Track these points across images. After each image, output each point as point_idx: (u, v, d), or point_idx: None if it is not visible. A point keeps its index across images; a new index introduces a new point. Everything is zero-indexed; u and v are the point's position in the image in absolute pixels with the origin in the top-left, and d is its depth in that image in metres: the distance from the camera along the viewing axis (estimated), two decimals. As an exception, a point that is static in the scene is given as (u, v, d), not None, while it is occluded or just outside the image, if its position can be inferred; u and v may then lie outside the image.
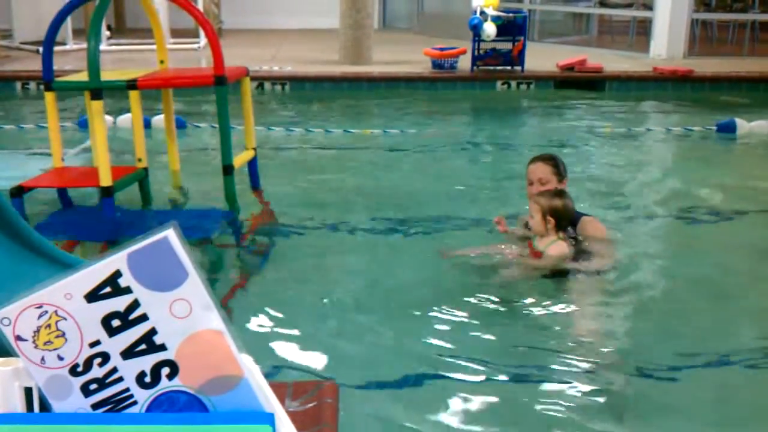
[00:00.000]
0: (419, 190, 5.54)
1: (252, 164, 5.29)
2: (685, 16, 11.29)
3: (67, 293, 0.91)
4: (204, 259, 4.21)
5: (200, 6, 10.92)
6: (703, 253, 4.40)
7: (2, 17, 11.90)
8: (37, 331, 0.92)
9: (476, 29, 9.43)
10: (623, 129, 7.66)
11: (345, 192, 5.47)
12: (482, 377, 3.01)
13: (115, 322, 0.92)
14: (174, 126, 5.42)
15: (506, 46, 9.77)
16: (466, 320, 3.46)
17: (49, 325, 0.91)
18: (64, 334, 0.92)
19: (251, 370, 0.95)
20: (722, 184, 5.77)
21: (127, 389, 0.94)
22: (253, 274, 4.19)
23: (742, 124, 7.36)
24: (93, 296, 0.91)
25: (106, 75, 4.65)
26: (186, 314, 0.92)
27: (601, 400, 2.88)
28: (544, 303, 3.61)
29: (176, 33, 11.72)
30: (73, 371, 0.93)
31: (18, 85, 9.28)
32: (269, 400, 0.96)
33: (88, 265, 0.91)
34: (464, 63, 9.87)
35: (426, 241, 4.47)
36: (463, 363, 3.09)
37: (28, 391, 0.96)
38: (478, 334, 3.34)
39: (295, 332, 3.37)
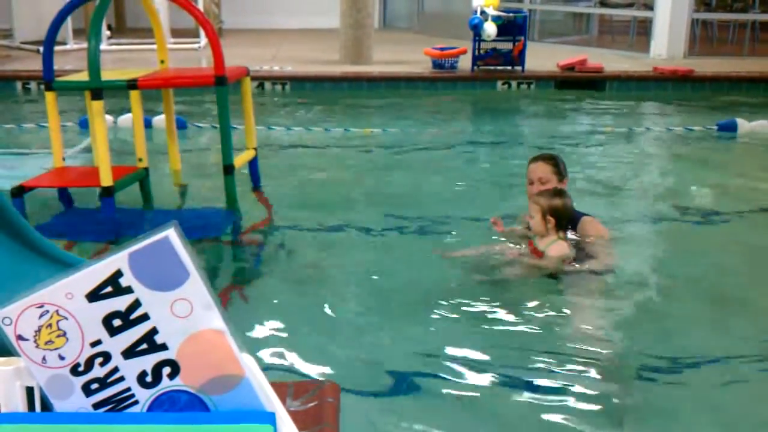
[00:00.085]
0: (419, 189, 5.54)
1: (253, 164, 5.29)
2: (686, 16, 11.29)
3: (68, 293, 0.91)
4: (205, 258, 4.20)
5: (200, 6, 10.92)
6: (704, 253, 4.40)
7: (3, 17, 11.91)
8: (39, 330, 0.92)
9: (477, 29, 9.43)
10: (623, 129, 7.66)
11: (345, 192, 5.47)
12: (482, 377, 3.01)
13: (116, 322, 0.92)
14: (174, 126, 5.42)
15: (507, 45, 9.77)
16: (466, 320, 3.46)
17: (50, 325, 0.92)
18: (65, 334, 0.92)
19: (252, 369, 0.95)
20: (723, 183, 5.77)
21: (129, 389, 0.94)
22: (254, 274, 4.19)
23: (743, 124, 7.36)
24: (94, 296, 0.91)
25: (107, 75, 4.65)
26: (187, 314, 0.92)
27: (601, 401, 2.87)
28: (545, 303, 3.61)
29: (176, 33, 11.72)
30: (75, 371, 0.93)
31: (18, 84, 9.28)
32: (270, 400, 0.96)
33: (89, 265, 0.91)
34: (465, 63, 9.87)
35: (426, 241, 4.47)
36: (463, 363, 3.09)
37: (29, 391, 0.96)
38: (479, 334, 3.34)
39: (296, 332, 3.37)
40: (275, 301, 3.72)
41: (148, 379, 0.94)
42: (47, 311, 0.91)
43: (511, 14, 9.73)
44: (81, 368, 0.93)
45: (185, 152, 5.89)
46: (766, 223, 5.03)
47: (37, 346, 0.92)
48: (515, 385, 2.98)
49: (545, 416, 2.77)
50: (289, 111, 8.50)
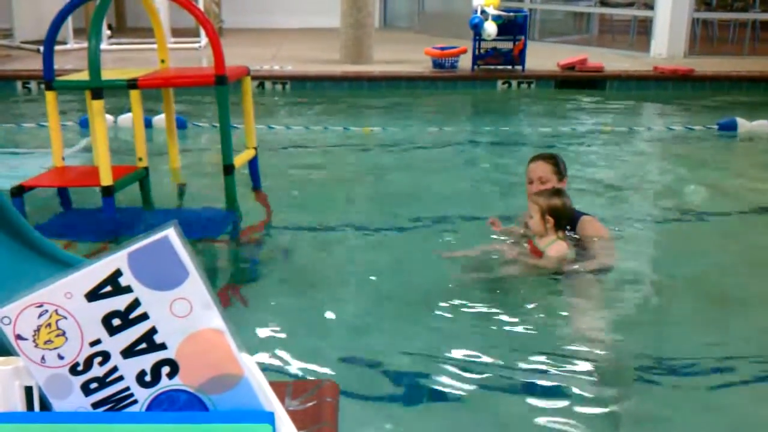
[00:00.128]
0: (419, 189, 5.54)
1: (253, 164, 5.29)
2: (686, 16, 11.29)
3: (68, 292, 0.91)
4: (204, 258, 4.21)
5: (201, 5, 10.92)
6: (703, 253, 4.40)
7: (3, 16, 11.91)
8: (38, 330, 0.92)
9: (477, 28, 9.43)
10: (624, 128, 7.66)
11: (345, 192, 5.47)
12: (481, 378, 3.01)
13: (116, 321, 0.92)
14: (175, 126, 5.42)
15: (507, 45, 9.77)
16: (465, 320, 3.46)
17: (49, 324, 0.92)
18: (64, 333, 0.92)
19: (251, 369, 0.95)
20: (723, 183, 5.78)
21: (128, 388, 0.94)
22: (254, 274, 4.19)
23: (743, 123, 7.37)
24: (93, 295, 0.91)
25: (107, 74, 4.65)
26: (186, 313, 0.92)
27: (600, 401, 2.87)
28: (544, 303, 3.61)
29: (177, 32, 11.72)
30: (74, 370, 0.93)
31: (19, 84, 9.28)
32: (269, 399, 0.96)
33: (89, 264, 0.91)
34: (465, 62, 9.87)
35: (426, 241, 4.47)
36: (461, 363, 3.09)
37: (28, 390, 0.96)
38: (477, 334, 3.34)
39: (296, 331, 3.37)
40: (274, 301, 3.72)
41: (147, 378, 0.94)
42: (46, 311, 0.91)
43: (511, 13, 9.73)
44: (80, 368, 0.93)
45: (185, 152, 5.89)
46: (765, 223, 5.03)
47: (36, 346, 0.92)
48: (514, 385, 2.98)
49: (544, 417, 2.77)
50: (289, 111, 8.50)
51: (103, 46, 8.42)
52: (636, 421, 2.80)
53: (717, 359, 3.17)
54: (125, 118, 6.87)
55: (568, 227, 3.90)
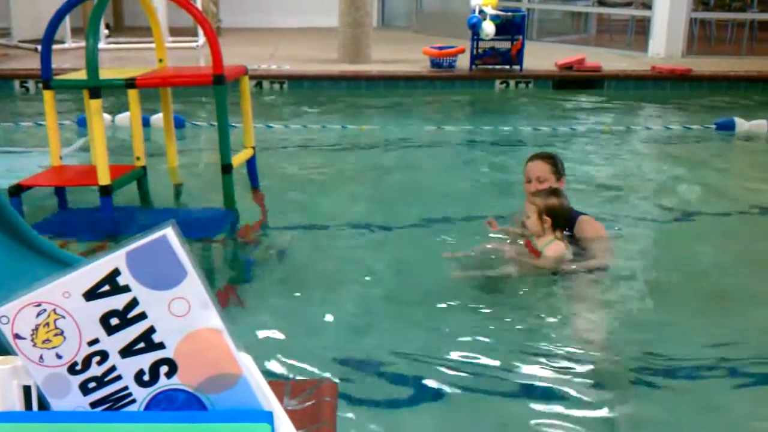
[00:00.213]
0: (417, 189, 5.54)
1: (251, 163, 5.29)
2: (684, 15, 11.30)
3: (66, 291, 0.91)
4: (202, 257, 4.20)
5: (199, 4, 10.91)
6: (702, 253, 4.40)
7: (0, 15, 11.90)
8: (36, 329, 0.92)
9: (475, 28, 9.43)
10: (622, 128, 7.67)
11: (343, 191, 5.47)
12: (478, 378, 3.01)
13: (114, 321, 0.92)
14: (173, 125, 5.42)
15: (505, 45, 9.77)
16: (463, 320, 3.46)
17: (47, 324, 0.92)
18: (62, 333, 0.92)
19: (250, 368, 0.95)
20: (721, 183, 5.78)
21: (126, 387, 0.94)
22: (252, 273, 4.19)
23: (741, 123, 7.38)
24: (91, 294, 0.91)
25: (105, 73, 4.65)
26: (185, 312, 0.92)
27: (599, 402, 2.87)
28: (542, 303, 3.61)
29: (175, 31, 11.71)
30: (72, 369, 0.93)
31: (16, 83, 9.27)
32: (268, 399, 0.96)
33: (87, 264, 0.91)
34: (463, 62, 9.87)
35: (424, 240, 4.47)
36: (459, 363, 3.09)
37: (26, 390, 0.96)
38: (475, 334, 3.33)
39: (294, 331, 3.37)
40: (273, 300, 3.71)
41: (146, 377, 0.94)
42: (44, 310, 0.91)
43: (509, 13, 9.73)
44: (78, 367, 0.93)
45: (183, 151, 5.89)
46: (764, 223, 5.03)
47: (35, 345, 0.92)
48: (512, 385, 2.98)
49: (542, 418, 2.77)
50: (287, 110, 8.49)
51: (101, 45, 8.42)
52: (634, 419, 2.80)
53: (716, 359, 3.17)
54: (123, 117, 6.86)
55: (565, 227, 3.90)
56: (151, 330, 0.93)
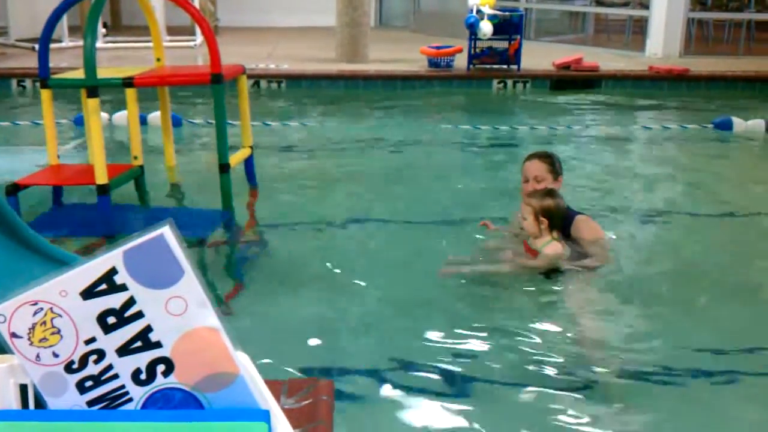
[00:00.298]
0: (415, 188, 5.54)
1: (248, 162, 5.29)
2: (681, 15, 11.31)
3: (63, 290, 0.91)
4: (199, 257, 4.20)
5: (196, 3, 10.90)
6: (699, 252, 4.41)
7: (-2, 14, 11.90)
8: (33, 328, 0.92)
9: (473, 28, 9.43)
10: (619, 127, 7.67)
11: (341, 191, 5.47)
12: (477, 377, 3.01)
13: (111, 320, 0.92)
14: (170, 124, 5.42)
15: (502, 44, 9.77)
16: (461, 320, 3.46)
17: (44, 322, 0.92)
18: (59, 331, 0.92)
19: (247, 367, 0.95)
20: (718, 182, 5.79)
21: (123, 386, 0.94)
22: (249, 273, 4.19)
23: (739, 123, 7.38)
24: (88, 293, 0.91)
25: (103, 72, 4.64)
26: (181, 311, 0.92)
27: (599, 402, 2.87)
28: (539, 304, 3.61)
29: (172, 30, 11.69)
30: (69, 368, 0.93)
31: (13, 82, 9.26)
32: (265, 397, 0.96)
33: (84, 263, 0.91)
34: (460, 61, 9.87)
35: (422, 240, 4.47)
36: (458, 363, 3.10)
37: (23, 388, 0.96)
38: (473, 334, 3.33)
39: (291, 330, 3.37)
40: (270, 300, 3.71)
41: (143, 376, 0.94)
42: (41, 309, 0.91)
43: (507, 13, 9.73)
44: (75, 366, 0.93)
45: (180, 150, 5.88)
46: (762, 222, 5.04)
47: (31, 344, 0.92)
48: (510, 385, 2.99)
49: (540, 416, 2.77)
50: (284, 109, 8.49)
51: (99, 44, 8.40)
52: (631, 417, 2.80)
53: (716, 358, 3.18)
54: (120, 116, 6.86)
55: (562, 227, 3.89)
56: (148, 329, 0.93)
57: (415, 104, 8.86)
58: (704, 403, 2.92)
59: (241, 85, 5.12)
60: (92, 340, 0.92)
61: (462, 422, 2.74)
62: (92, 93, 4.45)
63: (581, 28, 13.95)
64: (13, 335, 0.92)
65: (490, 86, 9.66)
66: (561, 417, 2.75)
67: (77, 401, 0.94)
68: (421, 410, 2.81)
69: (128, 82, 4.63)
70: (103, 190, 4.50)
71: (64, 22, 10.50)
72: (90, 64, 4.40)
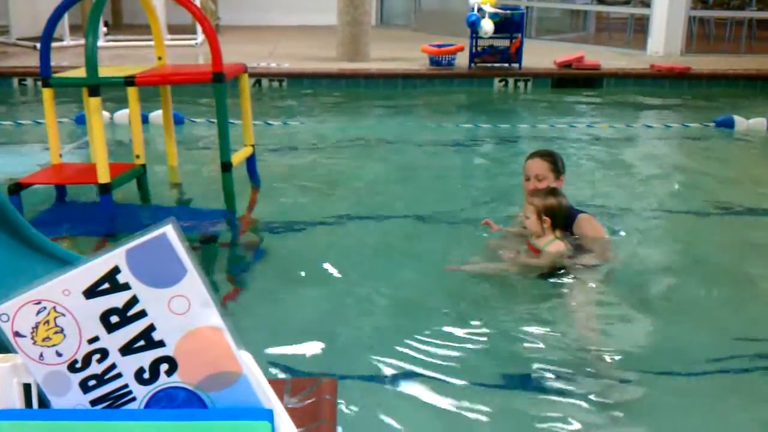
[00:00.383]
0: (416, 187, 5.54)
1: (250, 161, 5.29)
2: (683, 14, 11.30)
3: (66, 289, 0.91)
4: (202, 256, 4.20)
5: (197, 2, 10.89)
6: (701, 251, 4.41)
7: (-1, 13, 11.90)
8: (36, 327, 0.92)
9: (474, 26, 9.42)
10: (620, 126, 7.66)
11: (343, 190, 5.46)
12: (480, 376, 3.01)
13: (114, 319, 0.92)
14: (172, 123, 5.42)
15: (504, 43, 9.77)
16: (463, 319, 3.46)
17: (47, 321, 0.91)
18: (62, 330, 0.92)
19: (250, 366, 0.95)
20: (720, 181, 5.78)
21: (126, 385, 0.94)
22: (252, 271, 4.19)
23: (740, 121, 7.38)
24: (91, 292, 0.91)
25: (104, 71, 4.64)
26: (185, 311, 0.92)
27: (599, 402, 2.86)
28: (542, 303, 3.61)
29: (173, 29, 11.70)
30: (72, 367, 0.93)
31: (15, 81, 9.27)
32: (268, 397, 0.96)
33: (87, 261, 0.91)
34: (462, 60, 9.86)
35: (425, 238, 4.47)
36: (460, 361, 3.09)
37: (26, 388, 0.96)
38: (476, 332, 3.33)
39: (294, 329, 3.37)
40: (273, 299, 3.71)
41: (146, 375, 0.94)
42: (44, 308, 0.91)
43: (508, 11, 9.73)
44: (78, 365, 0.93)
45: (182, 148, 5.88)
46: (763, 221, 5.03)
47: (35, 343, 0.92)
48: (513, 385, 2.99)
49: (541, 414, 2.77)
50: (286, 108, 8.49)
51: (100, 43, 8.40)
52: (634, 420, 2.80)
53: (716, 358, 3.17)
54: (121, 115, 6.86)
55: (565, 226, 3.89)
56: (151, 328, 0.93)
57: (416, 103, 8.85)
58: (704, 403, 2.91)
59: (242, 83, 5.12)
60: (95, 339, 0.92)
61: (463, 422, 2.74)
62: (94, 92, 4.45)
63: (583, 26, 13.94)
64: (17, 334, 0.92)
65: (492, 85, 9.65)
66: (561, 417, 2.75)
67: (80, 400, 0.94)
68: (422, 409, 2.81)
69: (130, 81, 4.63)
70: (105, 189, 4.50)
71: (66, 20, 10.50)
72: (91, 63, 4.39)
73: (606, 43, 12.59)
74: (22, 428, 0.91)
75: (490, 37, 9.55)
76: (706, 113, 7.99)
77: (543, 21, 13.62)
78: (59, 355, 0.93)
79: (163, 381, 0.94)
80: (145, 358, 0.93)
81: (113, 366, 0.93)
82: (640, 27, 12.32)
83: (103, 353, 0.93)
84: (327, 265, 4.08)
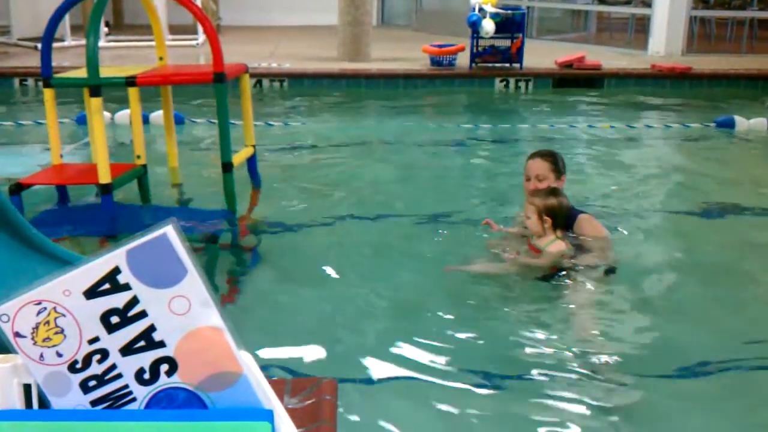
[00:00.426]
0: (417, 187, 5.54)
1: (251, 161, 5.29)
2: (684, 13, 11.30)
3: (66, 290, 0.91)
4: (203, 256, 4.20)
5: (199, 2, 10.89)
6: (702, 251, 4.41)
7: (0, 13, 11.89)
8: (36, 327, 0.92)
9: (475, 26, 9.42)
10: (621, 126, 7.66)
11: (344, 190, 5.46)
12: (480, 377, 3.01)
13: (114, 319, 0.92)
14: (173, 123, 5.41)
15: (505, 43, 9.77)
16: (464, 319, 3.45)
17: (47, 322, 0.92)
18: (62, 331, 0.92)
19: (250, 366, 0.95)
20: (721, 181, 5.78)
21: (126, 386, 0.94)
22: (252, 272, 4.19)
23: (741, 121, 7.37)
24: (92, 293, 0.91)
25: (105, 71, 4.64)
26: (185, 311, 0.92)
27: (599, 402, 2.87)
28: (543, 303, 3.61)
29: (174, 30, 11.70)
30: (72, 368, 0.93)
31: (16, 81, 9.27)
32: (268, 397, 0.96)
33: (87, 262, 0.91)
34: (463, 60, 9.87)
35: (426, 239, 4.47)
36: (461, 362, 3.09)
37: (26, 388, 0.96)
38: (477, 333, 3.33)
39: (294, 329, 3.37)
40: (273, 299, 3.72)
41: (146, 376, 0.94)
42: (45, 308, 0.91)
43: (509, 11, 9.73)
44: (79, 365, 0.93)
45: (183, 148, 5.88)
46: (763, 221, 5.03)
47: (35, 343, 0.92)
48: (514, 385, 2.99)
49: (543, 416, 2.77)
50: (287, 108, 8.49)
51: (101, 43, 8.41)
52: (634, 419, 2.80)
53: (717, 357, 3.17)
54: (122, 115, 6.86)
55: (565, 226, 3.89)
56: (152, 328, 0.93)
57: (417, 103, 8.86)
58: (705, 405, 2.91)
59: (243, 83, 5.12)
60: (96, 339, 0.92)
61: (463, 422, 2.74)
62: (95, 92, 4.45)
63: (584, 26, 13.94)
64: (17, 335, 0.92)
65: (493, 85, 9.66)
66: (562, 419, 2.75)
67: (81, 401, 0.94)
68: (424, 409, 2.81)
69: (131, 81, 4.63)
70: (106, 190, 4.50)
71: (67, 21, 10.51)
72: (92, 63, 4.40)
73: (607, 43, 12.59)
74: (22, 429, 0.91)
75: (491, 37, 9.55)
76: (707, 113, 7.99)
77: (544, 21, 13.62)
78: (59, 355, 0.93)
79: (164, 381, 0.94)
80: (146, 359, 0.93)
81: (113, 366, 0.93)
82: (641, 27, 12.32)
83: (104, 354, 0.93)
84: (327, 266, 4.08)
